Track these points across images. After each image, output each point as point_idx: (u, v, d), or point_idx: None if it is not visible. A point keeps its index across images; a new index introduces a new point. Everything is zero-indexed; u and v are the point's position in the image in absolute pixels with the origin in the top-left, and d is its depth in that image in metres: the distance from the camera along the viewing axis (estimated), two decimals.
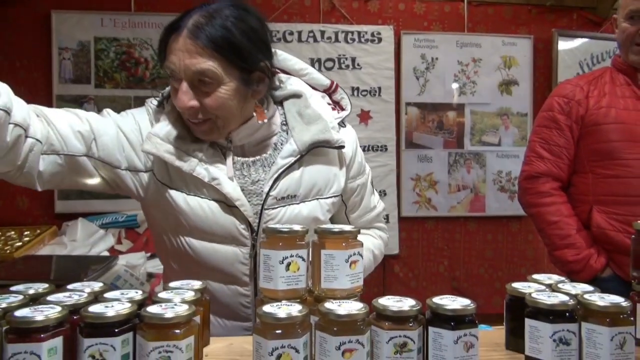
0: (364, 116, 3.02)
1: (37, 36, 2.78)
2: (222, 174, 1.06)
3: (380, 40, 3.03)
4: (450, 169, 3.11)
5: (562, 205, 1.60)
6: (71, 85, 2.80)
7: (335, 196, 1.15)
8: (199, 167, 1.05)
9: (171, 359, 0.73)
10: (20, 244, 2.25)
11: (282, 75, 1.18)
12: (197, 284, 0.94)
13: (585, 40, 3.21)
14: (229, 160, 1.08)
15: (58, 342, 0.73)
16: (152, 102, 1.14)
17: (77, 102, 2.80)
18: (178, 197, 1.06)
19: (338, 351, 0.75)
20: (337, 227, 0.88)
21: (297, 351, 0.74)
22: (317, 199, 1.12)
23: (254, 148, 1.12)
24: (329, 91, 1.22)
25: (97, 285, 0.92)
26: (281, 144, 1.12)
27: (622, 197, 1.52)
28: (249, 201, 1.07)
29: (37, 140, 0.95)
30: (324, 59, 2.97)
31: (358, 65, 3.00)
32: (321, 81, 1.21)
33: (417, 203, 3.08)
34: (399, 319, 0.79)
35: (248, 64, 1.02)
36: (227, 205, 1.06)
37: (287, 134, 1.13)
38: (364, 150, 3.02)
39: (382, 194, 3.00)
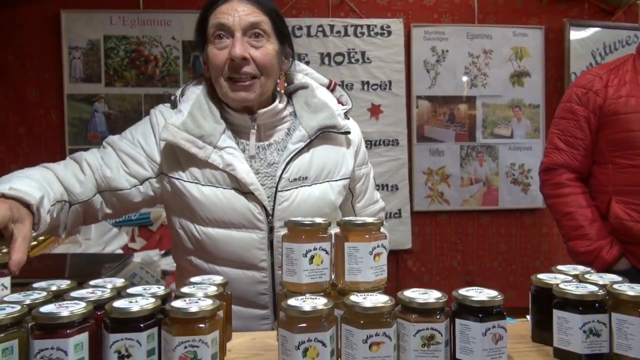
0: (375, 110, 3.00)
1: (47, 36, 2.79)
2: (236, 160, 1.09)
3: (389, 33, 3.01)
4: (462, 162, 3.09)
5: (578, 196, 1.59)
6: (82, 84, 2.81)
7: (344, 178, 1.19)
8: (214, 155, 1.09)
9: (197, 353, 0.72)
10: (35, 243, 2.26)
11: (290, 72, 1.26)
12: (218, 278, 0.94)
13: (597, 29, 3.17)
14: (252, 138, 1.14)
15: (84, 337, 0.72)
16: (160, 108, 1.19)
17: (88, 101, 2.81)
18: (192, 188, 1.10)
19: (365, 344, 0.74)
20: (360, 219, 0.87)
21: (324, 345, 0.73)
22: (328, 181, 1.16)
23: (269, 132, 1.17)
24: (328, 89, 1.27)
25: (118, 281, 0.92)
26: (292, 130, 1.17)
27: None
28: (263, 184, 1.11)
29: (65, 201, 1.04)
30: (334, 53, 2.96)
31: (368, 59, 2.98)
32: (320, 80, 1.27)
33: (429, 197, 3.07)
34: (425, 311, 0.78)
35: (284, 32, 1.15)
36: (242, 191, 1.09)
37: (297, 121, 1.18)
38: (375, 144, 3.03)
39: (394, 188, 2.98)
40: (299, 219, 0.86)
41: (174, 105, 1.17)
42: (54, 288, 0.88)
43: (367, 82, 2.98)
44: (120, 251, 2.38)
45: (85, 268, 1.96)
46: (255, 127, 1.13)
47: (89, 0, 2.82)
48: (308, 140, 1.14)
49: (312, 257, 0.82)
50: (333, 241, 0.87)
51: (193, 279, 0.93)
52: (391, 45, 3.01)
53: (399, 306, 0.81)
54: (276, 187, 1.11)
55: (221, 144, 1.10)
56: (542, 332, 0.91)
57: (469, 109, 3.11)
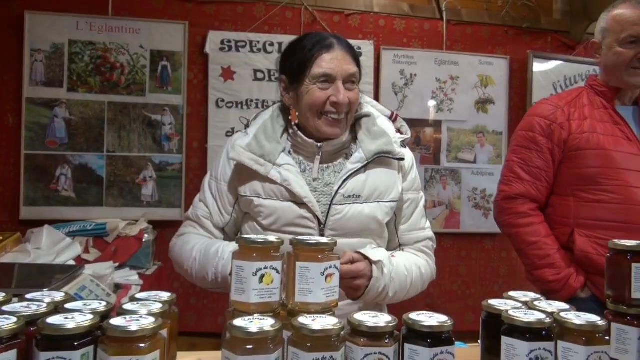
0: None
1: (8, 37, 2.67)
2: (292, 176, 1.24)
3: (360, 54, 3.04)
4: (426, 184, 3.13)
5: (540, 225, 1.60)
6: (43, 89, 2.71)
7: (394, 201, 1.30)
8: (273, 171, 1.25)
9: None
10: None
11: None
12: (165, 295, 0.91)
13: (559, 62, 3.29)
14: (316, 163, 1.29)
15: (12, 355, 0.68)
16: (235, 136, 1.36)
17: (49, 105, 2.71)
18: (253, 200, 1.26)
19: None
20: (313, 239, 0.85)
21: None
22: (378, 201, 1.28)
23: (330, 157, 1.31)
24: (390, 119, 1.38)
25: (58, 295, 0.88)
26: (351, 154, 1.31)
27: (605, 222, 1.51)
28: (319, 201, 1.25)
29: None
30: None
31: None
32: (384, 111, 1.39)
33: None
34: (374, 335, 0.77)
35: (361, 77, 1.31)
36: (297, 203, 1.24)
37: (357, 145, 1.31)
38: None
39: None
40: (250, 236, 0.84)
41: (246, 128, 1.34)
42: None
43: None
44: (72, 262, 2.28)
45: (33, 279, 1.87)
46: (320, 154, 1.29)
47: (55, 3, 2.73)
48: (365, 162, 1.27)
49: (262, 276, 0.80)
50: (285, 260, 0.85)
51: (138, 295, 0.90)
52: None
53: (348, 328, 0.79)
54: (331, 201, 1.24)
55: (279, 161, 1.25)
56: (492, 357, 0.91)
57: (435, 133, 3.16)
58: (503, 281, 3.18)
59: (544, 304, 0.93)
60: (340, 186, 1.25)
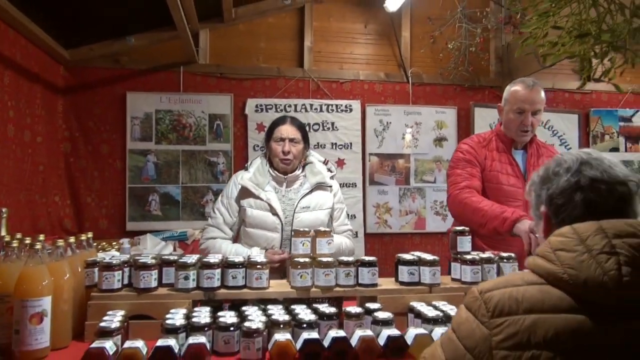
0: (340, 163, 4.28)
1: (116, 109, 3.96)
2: (272, 197, 2.32)
3: (351, 110, 4.31)
4: (400, 199, 4.37)
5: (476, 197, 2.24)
6: (139, 143, 4.01)
7: (328, 208, 2.39)
8: (262, 193, 2.31)
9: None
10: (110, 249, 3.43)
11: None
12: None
13: (494, 109, 4.54)
14: (284, 186, 2.35)
15: (217, 273, 1.97)
16: (239, 172, 2.42)
17: (143, 154, 4.02)
18: (249, 211, 2.32)
19: (324, 275, 2.00)
20: (323, 229, 2.14)
21: (308, 275, 1.99)
22: (320, 209, 2.34)
23: (291, 184, 2.38)
24: (324, 163, 2.55)
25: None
26: (303, 184, 2.39)
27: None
28: (284, 210, 2.32)
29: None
30: (312, 123, 4.25)
31: (336, 127, 4.28)
32: (319, 158, 2.55)
33: (377, 223, 4.33)
34: (347, 264, 2.05)
35: (306, 138, 2.40)
36: (272, 213, 2.31)
37: (305, 179, 2.41)
38: (340, 186, 4.28)
39: (353, 217, 4.24)
40: (299, 228, 2.13)
41: (245, 169, 2.43)
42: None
43: (335, 144, 4.26)
44: None
45: None
46: (285, 182, 2.36)
47: (146, 86, 4.02)
48: (311, 189, 2.33)
49: (303, 243, 2.08)
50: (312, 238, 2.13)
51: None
52: (352, 118, 4.29)
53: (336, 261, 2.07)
54: (294, 211, 2.28)
55: (266, 188, 2.29)
56: (396, 276, 2.17)
57: (405, 163, 4.41)
58: None
59: (420, 253, 2.20)
60: (298, 203, 2.26)
